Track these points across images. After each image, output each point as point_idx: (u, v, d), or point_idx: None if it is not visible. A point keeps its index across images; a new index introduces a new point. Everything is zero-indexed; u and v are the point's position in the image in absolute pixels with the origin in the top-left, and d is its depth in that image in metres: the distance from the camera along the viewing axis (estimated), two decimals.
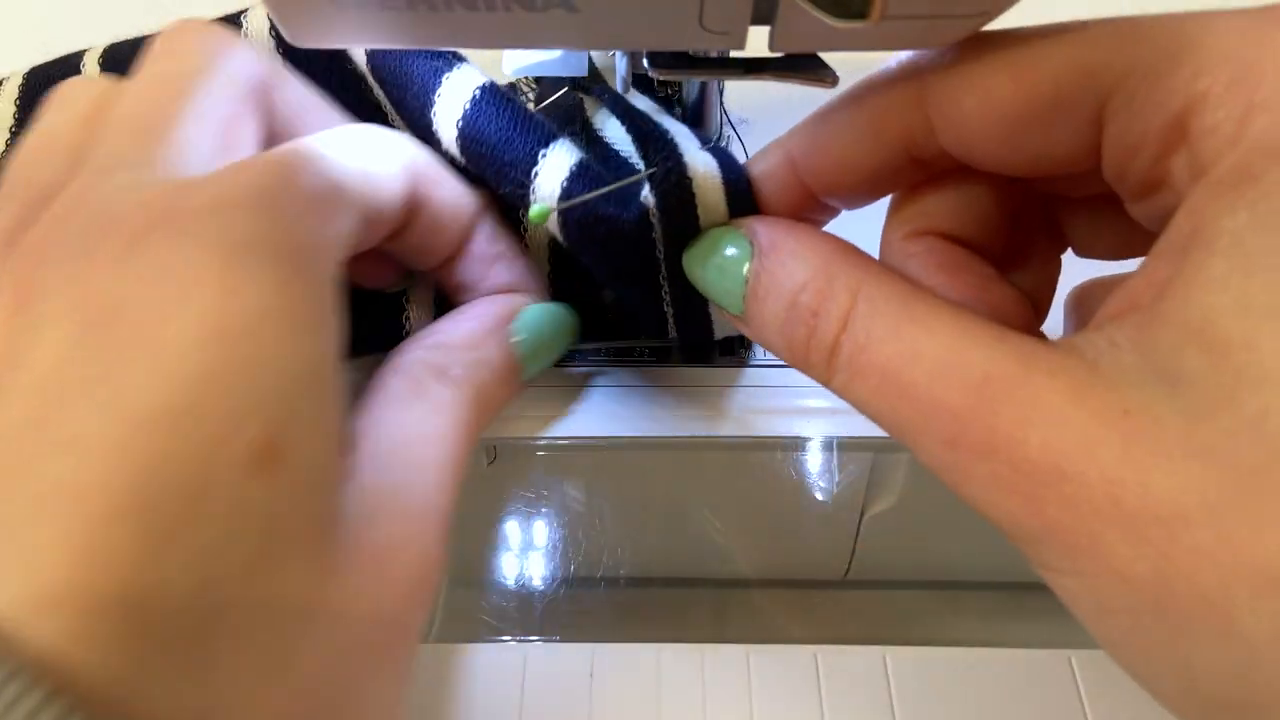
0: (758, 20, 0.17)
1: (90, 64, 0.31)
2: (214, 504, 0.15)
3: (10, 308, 0.16)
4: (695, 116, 0.28)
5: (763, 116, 0.37)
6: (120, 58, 0.33)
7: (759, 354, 0.27)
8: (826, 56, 0.20)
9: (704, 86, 0.26)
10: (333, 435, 0.18)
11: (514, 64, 0.25)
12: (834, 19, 0.15)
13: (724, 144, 0.26)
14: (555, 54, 0.26)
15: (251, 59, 0.22)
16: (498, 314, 0.24)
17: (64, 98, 0.21)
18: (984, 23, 0.17)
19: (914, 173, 0.20)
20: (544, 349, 0.24)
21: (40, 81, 0.30)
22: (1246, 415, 0.13)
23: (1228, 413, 0.13)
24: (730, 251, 0.20)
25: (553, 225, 0.23)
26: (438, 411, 0.21)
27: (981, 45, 0.17)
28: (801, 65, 0.20)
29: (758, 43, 0.18)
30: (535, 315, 0.24)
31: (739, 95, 0.37)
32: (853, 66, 0.20)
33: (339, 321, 0.18)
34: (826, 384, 0.18)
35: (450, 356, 0.22)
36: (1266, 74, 0.14)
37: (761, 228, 0.20)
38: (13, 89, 0.30)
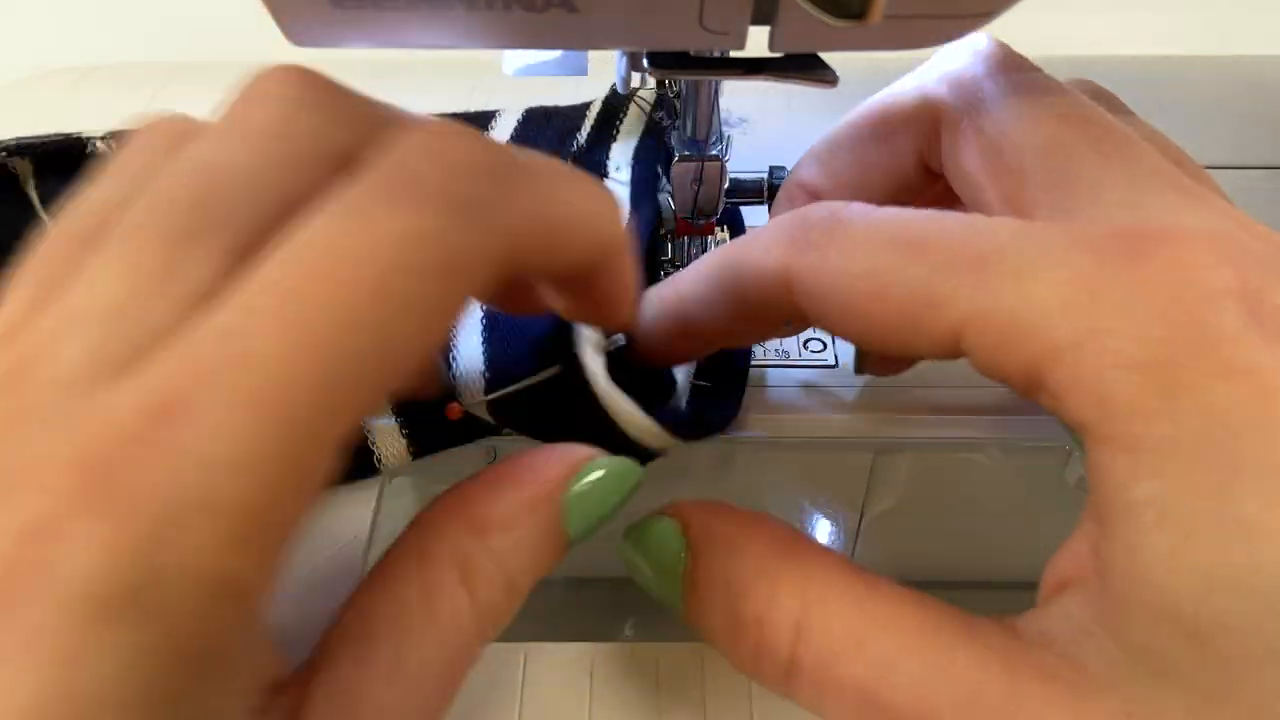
0: (758, 20, 0.17)
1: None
2: None
3: None
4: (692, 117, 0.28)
5: (763, 117, 0.37)
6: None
7: (757, 354, 0.27)
8: (826, 56, 0.20)
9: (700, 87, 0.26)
10: None
11: (514, 64, 0.25)
12: (834, 19, 0.15)
13: (725, 148, 0.26)
14: (555, 54, 0.26)
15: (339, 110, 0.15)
16: (552, 480, 0.18)
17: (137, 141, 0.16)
18: (984, 22, 0.17)
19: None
20: (598, 516, 0.19)
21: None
22: (1249, 706, 0.13)
23: (1229, 707, 0.13)
24: (664, 544, 0.19)
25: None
26: (445, 643, 0.17)
27: None
28: (801, 65, 0.20)
29: (758, 43, 0.18)
30: (599, 482, 0.18)
31: (739, 95, 0.37)
32: (853, 66, 0.20)
33: None
34: (788, 696, 0.17)
35: (484, 546, 0.17)
36: (1114, 331, 0.14)
37: (696, 516, 0.19)
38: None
